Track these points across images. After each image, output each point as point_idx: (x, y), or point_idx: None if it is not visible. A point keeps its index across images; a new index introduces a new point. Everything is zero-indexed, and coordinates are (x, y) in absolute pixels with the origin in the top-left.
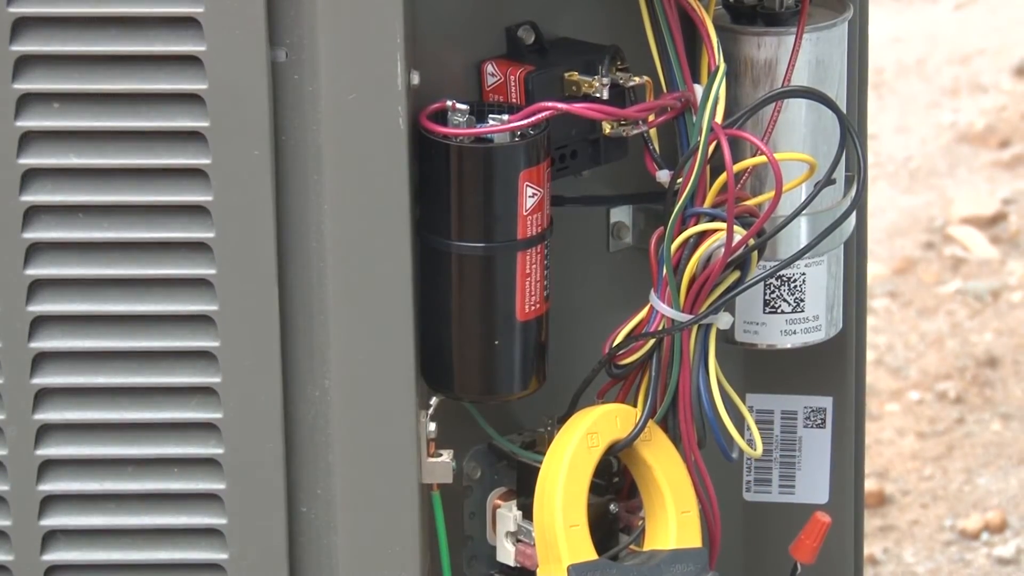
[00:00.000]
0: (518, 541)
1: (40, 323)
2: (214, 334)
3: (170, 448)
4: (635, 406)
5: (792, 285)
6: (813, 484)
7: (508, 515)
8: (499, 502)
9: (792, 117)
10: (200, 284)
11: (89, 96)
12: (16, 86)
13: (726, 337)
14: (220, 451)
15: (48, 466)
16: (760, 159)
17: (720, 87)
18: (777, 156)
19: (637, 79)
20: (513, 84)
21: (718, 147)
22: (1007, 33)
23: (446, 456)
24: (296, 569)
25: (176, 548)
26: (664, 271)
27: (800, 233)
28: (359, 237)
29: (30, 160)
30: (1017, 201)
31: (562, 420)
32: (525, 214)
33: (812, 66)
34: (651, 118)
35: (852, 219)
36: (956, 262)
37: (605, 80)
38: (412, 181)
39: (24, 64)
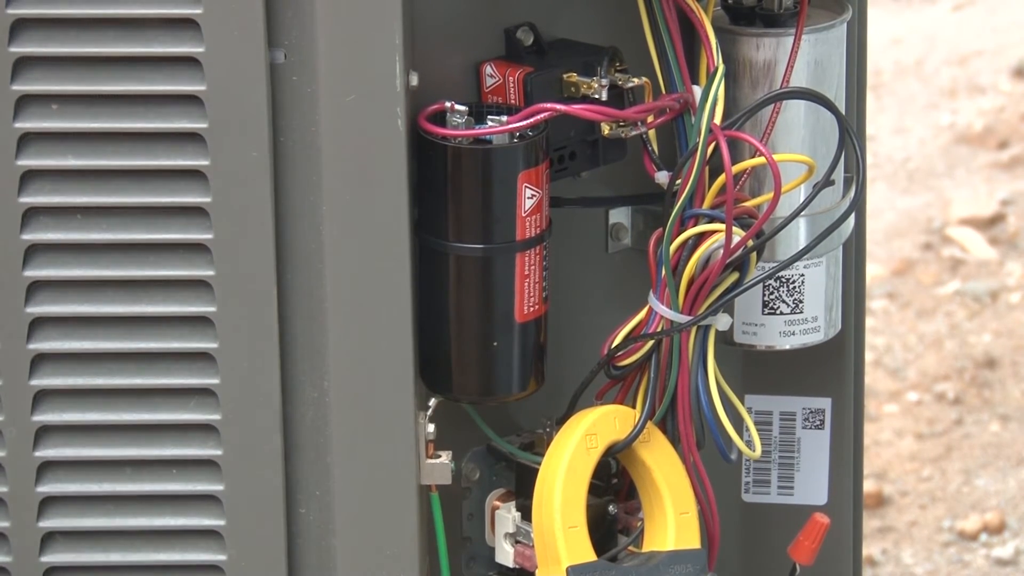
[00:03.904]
0: (517, 542)
1: (39, 324)
2: (213, 335)
3: (169, 449)
4: (634, 407)
5: (791, 286)
6: (812, 485)
7: (507, 516)
8: (498, 503)
9: (791, 118)
10: (199, 285)
11: (88, 97)
12: (15, 87)
13: (725, 338)
14: (219, 452)
15: (47, 467)
16: (759, 160)
17: (719, 88)
18: (776, 157)
19: (636, 80)
20: (512, 85)
21: (717, 148)
22: (1005, 34)
23: (445, 457)
24: (295, 570)
25: (175, 549)
26: (663, 272)
27: (799, 234)
28: (358, 238)
29: (28, 161)
30: (1015, 202)
31: (561, 421)
32: (524, 215)
33: (811, 67)
34: (650, 119)
35: (851, 220)
36: (955, 263)
37: (604, 81)
38: (411, 182)
39: (23, 65)
